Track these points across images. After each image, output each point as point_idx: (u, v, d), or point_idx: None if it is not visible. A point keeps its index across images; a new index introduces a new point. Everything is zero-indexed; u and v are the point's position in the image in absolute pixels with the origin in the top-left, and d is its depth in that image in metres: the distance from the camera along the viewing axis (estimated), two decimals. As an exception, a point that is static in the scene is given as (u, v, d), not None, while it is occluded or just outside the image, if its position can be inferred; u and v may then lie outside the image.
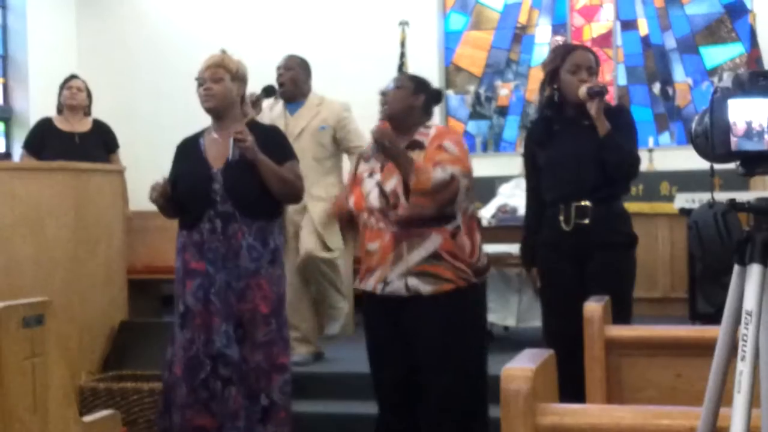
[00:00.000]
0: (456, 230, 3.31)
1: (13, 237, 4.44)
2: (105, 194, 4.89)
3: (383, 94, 3.43)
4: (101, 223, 4.83)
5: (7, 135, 8.04)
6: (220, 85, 3.54)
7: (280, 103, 5.01)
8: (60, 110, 5.57)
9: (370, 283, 3.34)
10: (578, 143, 3.52)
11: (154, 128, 7.96)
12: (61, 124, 5.50)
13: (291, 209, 4.76)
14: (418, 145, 3.33)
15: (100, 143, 5.47)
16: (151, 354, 4.59)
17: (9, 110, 8.30)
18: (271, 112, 4.96)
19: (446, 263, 3.27)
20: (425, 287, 3.26)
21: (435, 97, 3.52)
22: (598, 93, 3.45)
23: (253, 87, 3.70)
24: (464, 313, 3.32)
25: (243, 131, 3.46)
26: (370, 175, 3.37)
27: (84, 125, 5.52)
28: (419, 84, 3.47)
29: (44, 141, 5.39)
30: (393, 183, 3.27)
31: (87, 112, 5.60)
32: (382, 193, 3.29)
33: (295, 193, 3.65)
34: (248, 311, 3.49)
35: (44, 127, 5.54)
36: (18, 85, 8.17)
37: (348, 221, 3.49)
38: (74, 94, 5.49)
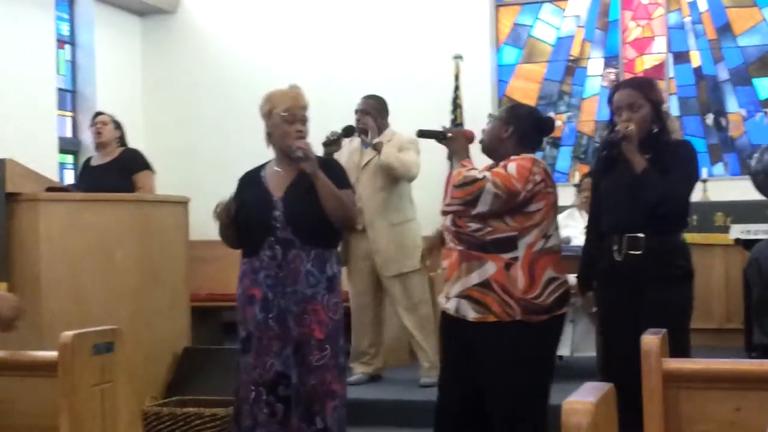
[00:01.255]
0: (512, 261, 3.29)
1: (82, 266, 4.58)
2: (169, 224, 5.02)
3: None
4: (165, 252, 4.95)
5: (76, 167, 8.29)
6: (306, 126, 3.64)
7: (357, 139, 5.32)
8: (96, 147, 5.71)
9: (443, 301, 3.45)
10: (633, 174, 3.49)
11: (217, 161, 8.14)
12: (96, 160, 5.65)
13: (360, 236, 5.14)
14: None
15: (121, 170, 5.48)
16: (212, 380, 4.69)
17: (77, 143, 8.54)
18: (350, 144, 5.32)
19: (494, 294, 3.29)
20: (471, 313, 3.31)
21: (532, 127, 3.49)
22: (611, 143, 3.47)
23: (312, 119, 3.76)
24: (515, 350, 3.30)
25: (307, 143, 3.57)
26: None
27: (113, 156, 5.59)
28: (511, 115, 3.50)
29: (82, 179, 5.56)
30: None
31: (121, 143, 5.65)
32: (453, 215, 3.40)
33: (349, 216, 3.69)
34: (304, 335, 3.55)
35: (84, 167, 5.75)
36: (86, 119, 8.35)
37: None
38: (99, 130, 5.59)
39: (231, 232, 3.68)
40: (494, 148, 3.46)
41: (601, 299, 3.73)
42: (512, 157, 3.38)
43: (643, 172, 3.44)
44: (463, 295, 3.31)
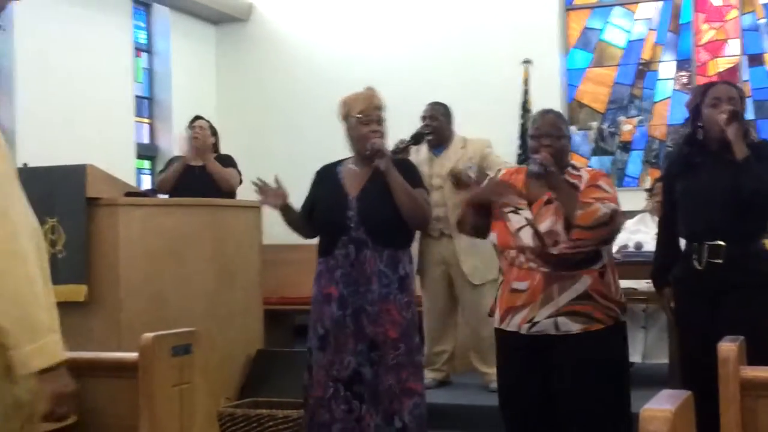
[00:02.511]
0: (603, 270, 3.35)
1: (159, 269, 4.68)
2: (243, 228, 5.09)
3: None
4: (240, 255, 5.01)
5: (153, 172, 8.49)
6: (383, 127, 3.69)
7: (425, 147, 5.29)
8: None
9: (514, 323, 3.34)
10: (716, 179, 3.48)
11: (288, 164, 8.18)
12: (197, 161, 5.76)
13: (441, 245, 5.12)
14: (573, 187, 3.35)
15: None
16: (285, 382, 4.73)
17: (155, 149, 8.76)
18: (417, 155, 5.21)
19: (596, 303, 3.31)
20: (575, 326, 3.29)
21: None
22: (734, 115, 3.42)
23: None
24: (612, 351, 3.37)
25: (381, 142, 3.61)
26: (515, 211, 3.37)
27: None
28: (565, 126, 3.53)
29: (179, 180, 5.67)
30: (548, 223, 3.29)
31: (215, 149, 5.79)
32: (536, 232, 3.30)
33: (422, 215, 3.72)
34: (380, 334, 3.59)
35: (185, 168, 5.85)
36: (162, 125, 8.62)
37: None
38: (196, 135, 5.70)
39: (299, 221, 3.78)
40: (559, 159, 3.40)
41: (679, 307, 3.70)
42: (591, 174, 3.39)
43: (745, 160, 3.40)
44: (561, 313, 3.28)
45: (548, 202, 3.34)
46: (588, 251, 3.28)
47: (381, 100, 3.72)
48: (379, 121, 3.68)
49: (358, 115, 3.65)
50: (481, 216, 3.49)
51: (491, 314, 3.53)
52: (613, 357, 3.38)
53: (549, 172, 3.28)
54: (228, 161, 5.74)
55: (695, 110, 3.58)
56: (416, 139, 5.14)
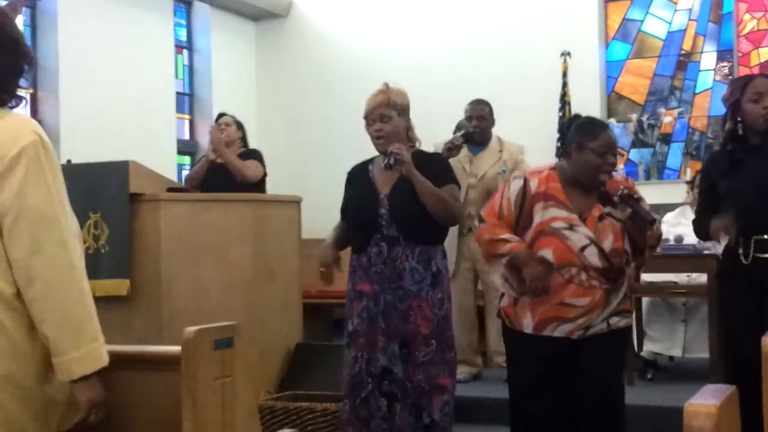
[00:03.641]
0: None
1: (200, 263, 4.75)
2: (282, 223, 5.14)
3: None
4: (279, 249, 5.06)
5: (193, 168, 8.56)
6: (390, 125, 3.62)
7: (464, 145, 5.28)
8: None
9: (563, 329, 3.32)
10: (761, 173, 3.48)
11: (327, 161, 8.31)
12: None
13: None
14: (607, 196, 3.35)
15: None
16: (323, 375, 4.78)
17: (195, 145, 8.82)
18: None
19: (627, 299, 3.43)
20: (622, 321, 3.41)
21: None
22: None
23: (417, 119, 3.80)
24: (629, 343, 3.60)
25: (401, 147, 3.58)
26: (571, 228, 3.31)
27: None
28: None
29: (205, 176, 5.69)
30: (610, 241, 3.30)
31: (243, 144, 5.74)
32: (601, 251, 3.29)
33: (451, 212, 3.68)
34: (411, 331, 3.58)
35: (209, 164, 5.89)
36: (203, 122, 8.69)
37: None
38: (223, 130, 5.66)
39: (345, 235, 3.80)
40: None
41: (725, 301, 3.68)
42: (620, 185, 3.35)
43: None
44: (613, 313, 3.37)
45: (601, 217, 3.33)
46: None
47: (386, 97, 3.65)
48: (384, 119, 3.64)
49: (365, 118, 3.68)
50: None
51: (500, 315, 3.54)
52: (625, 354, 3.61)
53: (636, 201, 3.25)
54: (252, 155, 5.65)
55: (735, 105, 3.55)
56: (468, 138, 5.18)
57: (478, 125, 5.28)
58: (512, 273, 3.36)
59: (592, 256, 3.28)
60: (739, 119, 3.54)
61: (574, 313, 3.31)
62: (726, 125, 3.62)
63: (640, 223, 3.31)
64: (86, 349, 2.13)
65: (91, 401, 2.17)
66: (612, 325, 3.37)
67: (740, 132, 3.55)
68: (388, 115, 3.64)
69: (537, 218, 3.36)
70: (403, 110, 3.69)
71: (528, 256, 3.32)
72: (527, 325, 3.38)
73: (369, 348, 3.60)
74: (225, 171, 5.42)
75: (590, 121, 3.46)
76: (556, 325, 3.33)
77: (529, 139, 7.27)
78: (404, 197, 3.62)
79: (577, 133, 3.38)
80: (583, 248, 3.29)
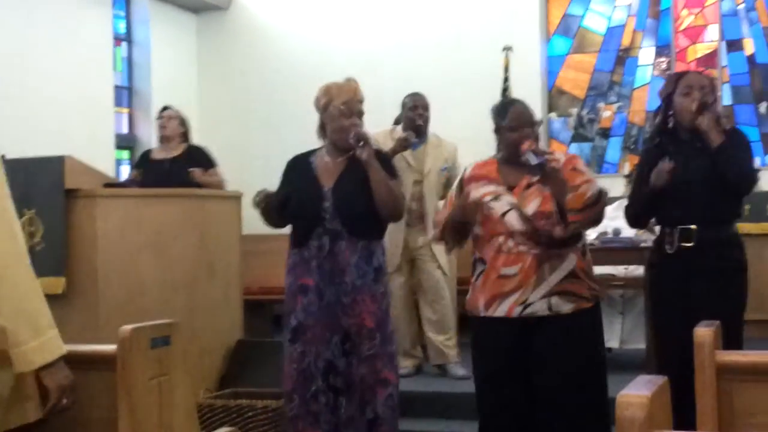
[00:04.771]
0: (584, 248, 3.44)
1: (139, 260, 4.66)
2: (223, 218, 5.07)
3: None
4: (220, 246, 5.00)
5: (132, 163, 8.42)
6: (362, 120, 3.67)
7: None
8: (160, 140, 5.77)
9: (503, 309, 3.34)
10: (689, 167, 3.55)
11: (269, 156, 8.20)
12: (157, 153, 5.71)
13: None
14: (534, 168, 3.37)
15: (187, 165, 5.51)
16: (264, 372, 4.74)
17: (134, 139, 8.69)
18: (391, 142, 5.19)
19: (582, 282, 3.37)
20: (566, 305, 3.33)
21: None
22: (704, 106, 3.48)
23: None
24: (597, 329, 3.46)
25: (365, 132, 3.59)
26: (496, 198, 3.38)
27: (178, 151, 5.65)
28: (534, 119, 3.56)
29: (144, 172, 5.59)
30: (534, 205, 3.31)
31: (185, 139, 5.71)
32: (521, 214, 3.32)
33: (398, 207, 3.72)
34: (354, 325, 3.60)
35: (143, 158, 5.82)
36: (142, 115, 8.57)
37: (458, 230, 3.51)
38: (165, 124, 5.66)
39: (274, 215, 3.74)
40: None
41: (653, 292, 3.72)
42: (566, 158, 3.41)
43: (721, 146, 3.47)
44: (554, 293, 3.32)
45: (528, 186, 3.37)
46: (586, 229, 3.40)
47: (362, 94, 3.70)
48: (360, 114, 3.67)
49: (341, 107, 3.63)
50: (461, 233, 3.50)
51: (467, 307, 3.53)
52: (595, 337, 3.46)
53: (546, 161, 3.28)
54: (202, 155, 5.63)
55: (668, 99, 3.61)
56: (418, 132, 5.17)
57: (422, 114, 5.26)
58: (451, 233, 3.48)
59: (513, 220, 3.33)
60: (670, 113, 3.60)
61: (510, 285, 3.32)
62: (656, 119, 3.69)
63: (554, 186, 3.29)
64: (44, 338, 2.12)
65: (60, 387, 2.16)
66: (554, 309, 3.30)
67: (670, 125, 3.61)
68: (362, 111, 3.67)
69: (473, 198, 3.42)
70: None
71: (457, 206, 3.43)
72: (481, 307, 3.41)
73: (316, 342, 3.60)
74: (168, 169, 5.36)
75: (500, 103, 3.63)
76: (498, 304, 3.35)
77: (472, 133, 7.28)
78: (349, 191, 3.62)
79: (493, 120, 3.50)
80: (503, 214, 3.34)
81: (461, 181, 3.55)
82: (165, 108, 5.84)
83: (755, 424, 2.55)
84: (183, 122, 5.73)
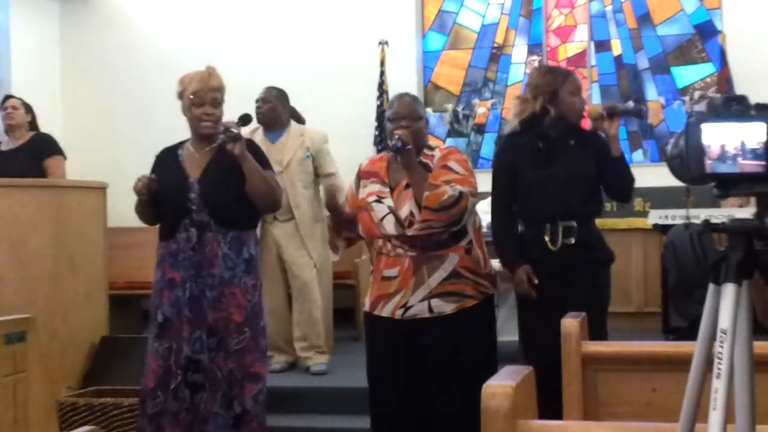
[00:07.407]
0: (469, 245, 3.40)
1: (-5, 253, 4.46)
2: (86, 210, 4.91)
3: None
4: (82, 239, 4.85)
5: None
6: (219, 110, 3.59)
7: (260, 131, 5.29)
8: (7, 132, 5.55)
9: (387, 309, 3.36)
10: (566, 163, 3.60)
11: (136, 146, 7.95)
12: (6, 145, 5.49)
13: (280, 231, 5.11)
14: (425, 168, 3.38)
15: (31, 155, 5.33)
16: (131, 369, 4.61)
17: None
18: (254, 136, 5.11)
19: (466, 279, 3.35)
20: (448, 306, 3.32)
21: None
22: (613, 111, 3.58)
23: (233, 108, 3.70)
24: (485, 325, 3.44)
25: (234, 125, 3.51)
26: (379, 200, 3.38)
27: (24, 140, 5.45)
28: (421, 108, 3.55)
29: None
30: (407, 209, 3.30)
31: (33, 127, 5.52)
32: (397, 218, 3.32)
33: (276, 198, 3.69)
34: (222, 319, 3.53)
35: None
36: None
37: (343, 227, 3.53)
38: (9, 114, 5.45)
39: (149, 208, 3.63)
40: (416, 140, 3.41)
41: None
42: (441, 153, 3.41)
43: (621, 157, 3.61)
44: (434, 295, 3.31)
45: (407, 186, 3.36)
46: (443, 231, 3.30)
47: (220, 81, 3.61)
48: (214, 103, 3.58)
49: (191, 96, 3.56)
50: (351, 231, 3.52)
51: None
52: (484, 334, 3.44)
53: (407, 148, 3.27)
54: (45, 143, 5.43)
55: (553, 93, 3.63)
56: (244, 120, 5.04)
57: (260, 107, 5.23)
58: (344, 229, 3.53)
59: (389, 224, 3.34)
60: (547, 107, 3.63)
61: (392, 287, 3.34)
62: (532, 108, 3.66)
63: (412, 176, 3.31)
64: None
65: None
66: (435, 310, 3.31)
67: (552, 114, 3.62)
68: (219, 100, 3.59)
69: (360, 195, 3.46)
70: (223, 95, 3.64)
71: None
72: (368, 306, 3.44)
73: (178, 338, 3.52)
74: (10, 158, 5.13)
75: (395, 95, 3.62)
76: (383, 304, 3.37)
77: (349, 128, 7.30)
78: (216, 181, 3.56)
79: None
80: (382, 218, 3.35)
81: (357, 174, 3.56)
82: (7, 97, 5.63)
83: (619, 412, 2.61)
84: (29, 110, 5.52)
